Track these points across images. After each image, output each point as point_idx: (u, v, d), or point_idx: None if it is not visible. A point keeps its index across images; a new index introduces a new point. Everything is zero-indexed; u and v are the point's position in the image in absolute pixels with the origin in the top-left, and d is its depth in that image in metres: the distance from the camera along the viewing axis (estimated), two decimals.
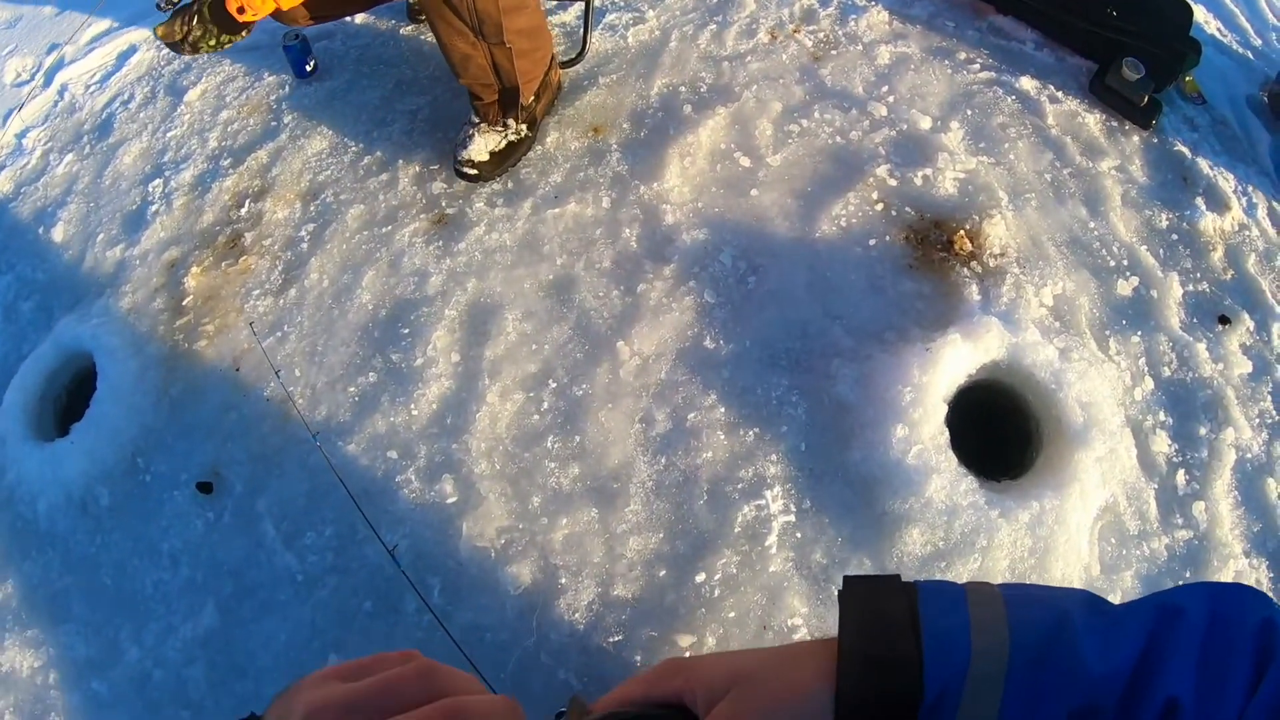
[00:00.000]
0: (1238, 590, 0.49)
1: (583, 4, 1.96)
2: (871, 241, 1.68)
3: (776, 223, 1.70)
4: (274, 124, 2.09)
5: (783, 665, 0.51)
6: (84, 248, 2.03)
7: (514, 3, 1.61)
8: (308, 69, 2.12)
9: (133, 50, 2.43)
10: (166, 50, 2.36)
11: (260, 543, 1.58)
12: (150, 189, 2.08)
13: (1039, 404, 1.61)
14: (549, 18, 2.08)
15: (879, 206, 1.73)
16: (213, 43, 1.61)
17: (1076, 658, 0.47)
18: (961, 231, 1.71)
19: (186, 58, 1.85)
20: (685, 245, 1.69)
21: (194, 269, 1.90)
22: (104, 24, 2.53)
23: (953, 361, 1.54)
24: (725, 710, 0.50)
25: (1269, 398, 1.79)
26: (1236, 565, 1.53)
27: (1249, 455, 1.67)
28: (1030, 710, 0.46)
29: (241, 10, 1.49)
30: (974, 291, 1.65)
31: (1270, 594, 1.56)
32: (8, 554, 1.69)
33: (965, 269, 1.68)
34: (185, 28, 1.57)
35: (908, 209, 1.73)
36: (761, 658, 0.52)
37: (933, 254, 1.69)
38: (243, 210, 1.96)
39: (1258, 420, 1.75)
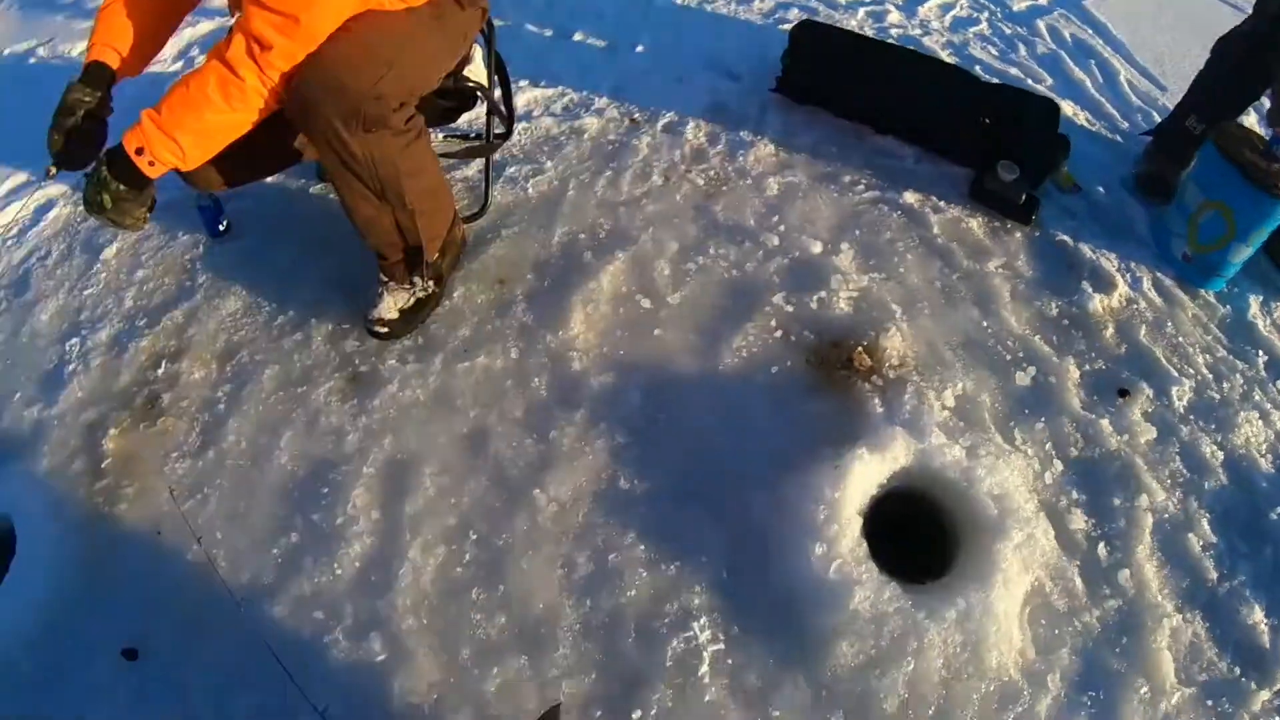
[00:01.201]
0: None
1: (483, 160, 2.03)
2: (774, 368, 1.75)
3: (681, 360, 1.77)
4: (189, 284, 2.11)
5: None
6: (1, 408, 2.00)
7: (413, 167, 1.67)
8: (220, 229, 2.15)
9: (50, 205, 2.44)
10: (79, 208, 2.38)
11: (188, 712, 1.54)
12: (68, 348, 2.06)
13: (952, 503, 1.67)
14: (451, 174, 2.15)
15: (778, 334, 1.81)
16: (131, 212, 1.62)
17: None
18: (860, 348, 1.80)
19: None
20: (594, 390, 1.74)
21: (112, 431, 1.88)
22: (21, 177, 2.53)
23: (862, 475, 1.60)
24: None
25: (1177, 458, 1.88)
26: (1171, 623, 1.60)
27: (1166, 516, 1.75)
28: None
29: (140, 151, 1.49)
30: (877, 404, 1.72)
31: (1211, 643, 1.61)
32: None
33: (866, 384, 1.75)
34: (98, 194, 1.58)
35: (806, 332, 1.82)
36: None
37: (834, 373, 1.76)
38: (160, 371, 1.96)
39: (1169, 481, 1.82)
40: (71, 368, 2.03)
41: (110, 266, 2.21)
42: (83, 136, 1.59)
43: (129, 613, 1.66)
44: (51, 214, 2.43)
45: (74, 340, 2.08)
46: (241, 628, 1.58)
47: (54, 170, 1.60)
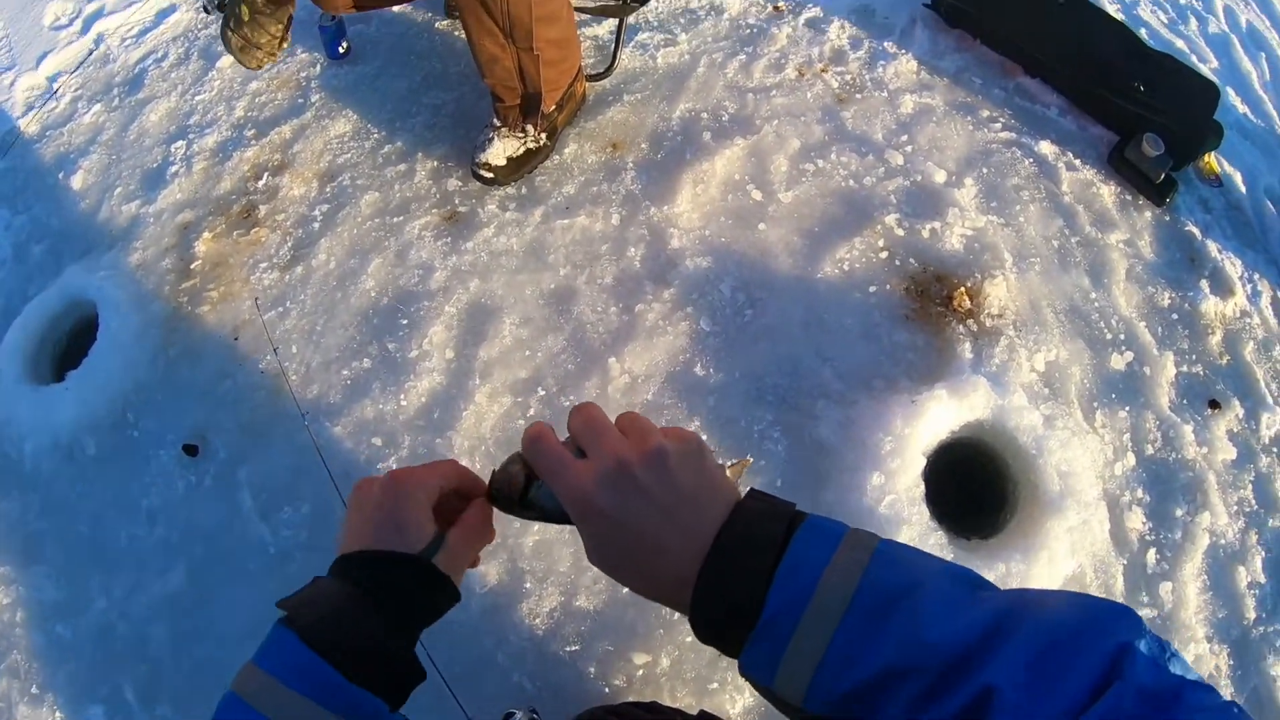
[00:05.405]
0: (1109, 608, 0.50)
1: (616, 20, 1.98)
2: (872, 288, 1.70)
3: (780, 259, 1.72)
4: (301, 101, 2.12)
5: (676, 531, 0.55)
6: (101, 199, 2.05)
7: (547, 12, 1.63)
8: (340, 51, 2.14)
9: (172, 9, 2.46)
10: (204, 15, 2.39)
11: (237, 511, 1.60)
12: (172, 149, 2.10)
13: (1018, 468, 1.62)
14: (582, 29, 2.10)
15: (883, 254, 1.75)
16: (266, 28, 1.61)
17: (915, 620, 0.49)
18: (962, 288, 1.73)
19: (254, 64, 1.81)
20: (688, 271, 1.71)
21: (205, 234, 1.92)
22: None
23: (937, 416, 1.56)
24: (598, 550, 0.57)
25: (1249, 487, 1.79)
26: (1197, 649, 1.54)
27: (1222, 541, 1.68)
28: (855, 653, 0.50)
29: None
30: (967, 349, 1.66)
31: (1229, 681, 1.58)
32: None
33: (961, 326, 1.69)
34: (237, 5, 1.57)
35: (911, 260, 1.75)
36: (669, 515, 0.56)
37: (931, 307, 1.70)
38: (260, 182, 1.98)
39: (1235, 508, 1.75)
40: (174, 169, 2.06)
41: (225, 75, 2.23)
42: None
43: (195, 411, 1.71)
44: (172, 18, 2.45)
45: (180, 143, 2.11)
46: (301, 441, 1.62)
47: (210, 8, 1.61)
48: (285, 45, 1.69)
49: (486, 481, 0.69)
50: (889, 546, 0.53)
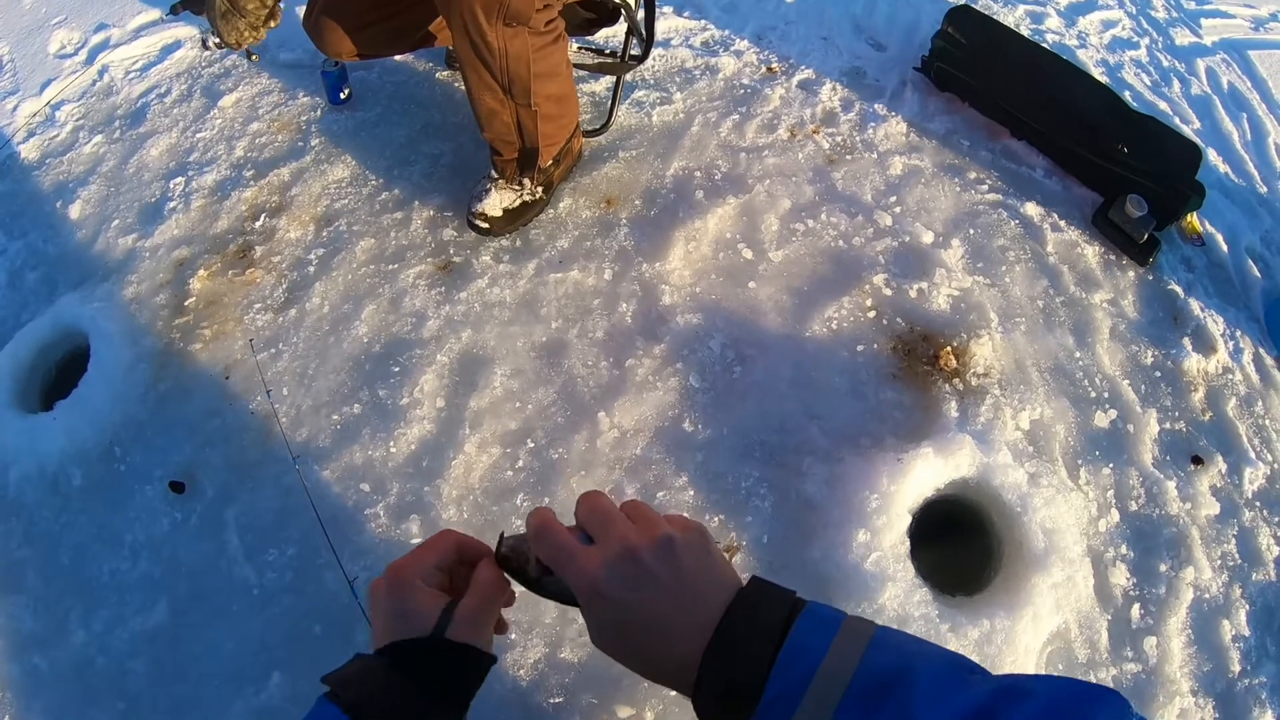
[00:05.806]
0: (1097, 693, 0.51)
1: (613, 78, 2.02)
2: (859, 347, 1.73)
3: (770, 317, 1.75)
4: (301, 144, 2.14)
5: (681, 615, 0.59)
6: (98, 230, 2.06)
7: (546, 69, 1.66)
8: (342, 96, 2.17)
9: (177, 45, 2.49)
10: (208, 52, 2.41)
11: (222, 550, 1.60)
12: (171, 185, 2.11)
13: (1003, 525, 1.64)
14: (579, 86, 2.14)
15: (871, 313, 1.78)
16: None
17: (908, 703, 0.51)
18: (949, 348, 1.76)
19: (238, 49, 1.69)
20: (678, 327, 1.74)
21: (201, 272, 1.93)
22: (154, 14, 2.58)
23: (922, 474, 1.58)
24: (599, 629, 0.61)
25: (1233, 541, 1.81)
26: (1182, 703, 1.55)
27: (1206, 596, 1.70)
28: None
29: None
30: (953, 408, 1.69)
31: None
32: None
33: (947, 385, 1.72)
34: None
35: (899, 319, 1.78)
36: (675, 600, 0.59)
37: (917, 366, 1.73)
38: (257, 223, 2.00)
39: (1219, 562, 1.77)
40: (172, 204, 2.08)
41: (226, 114, 2.25)
42: None
43: (183, 448, 1.71)
44: (177, 54, 2.47)
45: (179, 179, 2.13)
46: (289, 483, 1.62)
47: (179, 8, 1.62)
48: (273, 24, 1.66)
49: (488, 544, 0.71)
50: (886, 634, 0.56)
